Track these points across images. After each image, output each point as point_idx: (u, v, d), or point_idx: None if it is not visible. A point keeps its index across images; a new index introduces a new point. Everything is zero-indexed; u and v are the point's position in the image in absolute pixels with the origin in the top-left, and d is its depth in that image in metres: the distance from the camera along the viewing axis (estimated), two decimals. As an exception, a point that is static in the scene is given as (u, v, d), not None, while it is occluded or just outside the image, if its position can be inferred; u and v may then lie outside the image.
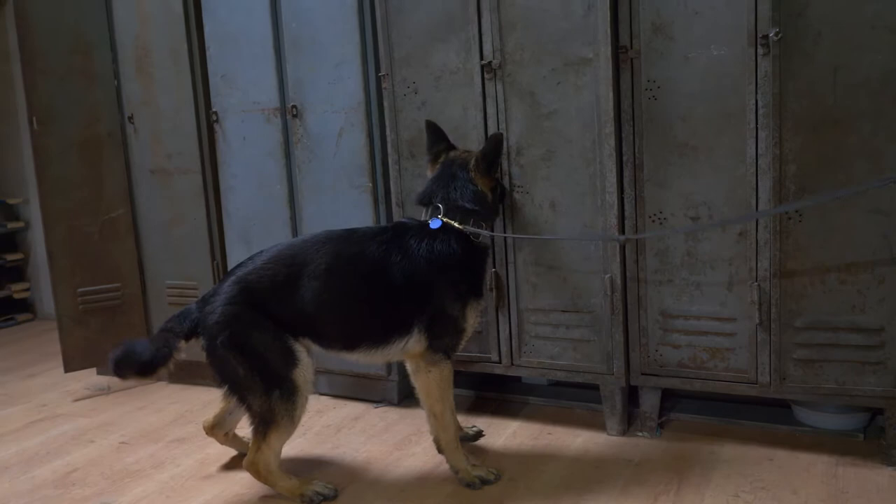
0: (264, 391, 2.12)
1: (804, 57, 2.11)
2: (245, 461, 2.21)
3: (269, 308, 2.16)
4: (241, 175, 3.07)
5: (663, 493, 2.12)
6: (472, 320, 2.27)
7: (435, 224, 2.23)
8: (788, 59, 2.12)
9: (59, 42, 3.20)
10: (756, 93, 2.17)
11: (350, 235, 2.27)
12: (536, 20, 2.39)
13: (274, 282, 2.17)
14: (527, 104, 2.46)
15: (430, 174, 2.39)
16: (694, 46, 2.24)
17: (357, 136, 2.79)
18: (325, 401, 3.03)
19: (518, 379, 2.98)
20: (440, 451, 2.33)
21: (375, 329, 2.23)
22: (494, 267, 2.59)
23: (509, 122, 2.49)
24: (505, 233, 2.53)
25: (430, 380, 2.24)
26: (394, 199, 2.75)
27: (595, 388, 2.56)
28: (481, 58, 2.50)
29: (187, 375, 3.17)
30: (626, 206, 2.39)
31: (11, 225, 4.98)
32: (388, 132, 2.73)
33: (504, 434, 2.60)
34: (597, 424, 2.58)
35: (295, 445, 2.55)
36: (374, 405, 2.95)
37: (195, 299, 2.39)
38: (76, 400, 3.20)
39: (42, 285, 4.93)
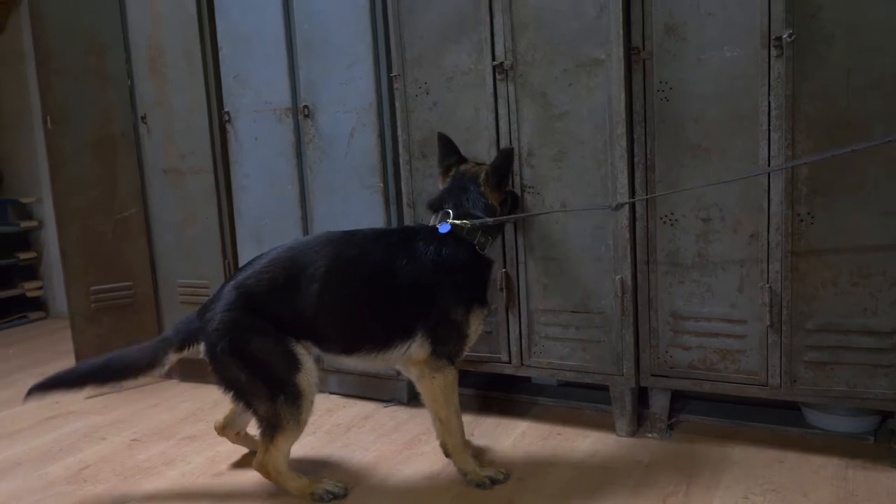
0: (269, 396, 2.11)
1: (817, 59, 2.10)
2: (254, 462, 2.22)
3: (270, 312, 2.15)
4: (252, 175, 3.09)
5: (672, 494, 2.12)
6: (475, 327, 2.26)
7: (444, 228, 2.23)
8: (801, 60, 2.12)
9: (74, 42, 3.24)
10: (769, 94, 2.16)
11: (350, 238, 2.27)
12: (548, 21, 2.40)
13: (273, 285, 2.16)
14: (538, 105, 2.46)
15: (441, 186, 2.39)
16: (707, 48, 2.23)
17: (368, 136, 2.80)
18: (336, 400, 3.04)
19: (528, 379, 2.98)
20: (447, 455, 2.33)
21: (376, 332, 2.22)
22: (505, 267, 2.59)
23: (521, 123, 2.49)
24: (515, 235, 2.54)
25: (434, 386, 2.24)
26: (405, 200, 2.76)
27: (605, 389, 2.56)
28: (493, 58, 2.50)
29: (199, 373, 3.18)
30: (638, 207, 2.39)
31: (25, 224, 5.02)
32: (399, 133, 2.74)
33: (513, 434, 2.60)
34: (606, 425, 2.58)
35: (305, 444, 2.56)
36: (384, 404, 2.96)
37: (207, 298, 2.41)
38: (88, 397, 3.21)
39: (55, 284, 4.96)
